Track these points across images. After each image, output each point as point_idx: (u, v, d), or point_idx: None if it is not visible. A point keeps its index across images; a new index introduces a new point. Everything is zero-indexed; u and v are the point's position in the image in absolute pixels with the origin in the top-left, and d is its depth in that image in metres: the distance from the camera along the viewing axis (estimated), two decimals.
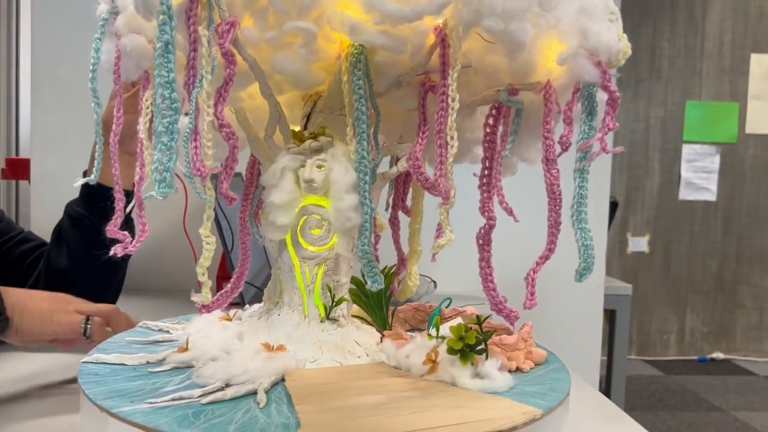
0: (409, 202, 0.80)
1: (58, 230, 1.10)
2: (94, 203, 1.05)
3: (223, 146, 0.64)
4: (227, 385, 0.57)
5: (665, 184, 4.09)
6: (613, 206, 2.45)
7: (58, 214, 1.11)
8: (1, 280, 1.05)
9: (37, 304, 0.78)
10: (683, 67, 4.05)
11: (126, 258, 1.08)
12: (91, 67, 0.67)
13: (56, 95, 1.63)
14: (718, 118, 4.08)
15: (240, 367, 0.59)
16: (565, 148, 0.64)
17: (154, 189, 0.56)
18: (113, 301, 1.10)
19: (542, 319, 0.71)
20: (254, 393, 0.56)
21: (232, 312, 0.74)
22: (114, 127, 0.68)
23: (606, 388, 2.42)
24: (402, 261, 0.80)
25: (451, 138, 0.60)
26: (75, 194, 1.21)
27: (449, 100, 0.60)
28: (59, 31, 1.63)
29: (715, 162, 4.08)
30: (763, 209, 4.14)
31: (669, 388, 3.63)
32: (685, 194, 4.07)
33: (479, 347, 0.61)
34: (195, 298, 0.66)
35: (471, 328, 0.61)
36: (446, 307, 0.82)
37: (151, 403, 0.53)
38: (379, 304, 0.75)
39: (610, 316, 2.36)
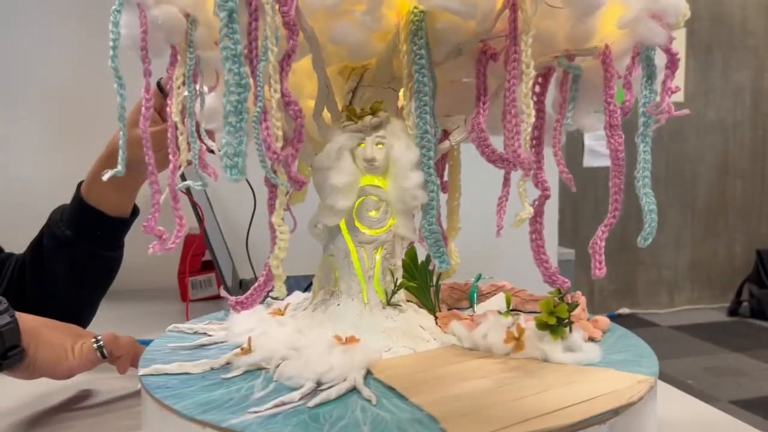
0: (445, 178, 0.77)
1: (38, 250, 0.94)
2: (84, 227, 0.92)
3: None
4: (319, 384, 0.53)
5: (570, 153, 4.26)
6: None
7: (16, 220, 1.00)
8: None
9: (51, 335, 0.66)
10: None
11: (110, 281, 0.98)
12: (111, 44, 0.59)
13: (9, 89, 1.46)
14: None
15: (324, 364, 0.55)
16: (626, 113, 0.64)
17: (226, 175, 0.51)
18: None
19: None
20: (352, 390, 0.52)
21: (283, 305, 0.69)
22: (143, 110, 0.61)
23: None
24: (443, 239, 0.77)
25: (527, 106, 0.58)
26: (34, 195, 1.09)
27: (523, 66, 0.58)
28: (14, 17, 1.46)
29: None
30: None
31: None
32: (588, 161, 4.26)
33: (566, 320, 0.59)
34: (227, 295, 0.61)
35: (558, 301, 0.59)
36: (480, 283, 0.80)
37: (256, 412, 0.47)
38: (426, 285, 0.72)
39: None
